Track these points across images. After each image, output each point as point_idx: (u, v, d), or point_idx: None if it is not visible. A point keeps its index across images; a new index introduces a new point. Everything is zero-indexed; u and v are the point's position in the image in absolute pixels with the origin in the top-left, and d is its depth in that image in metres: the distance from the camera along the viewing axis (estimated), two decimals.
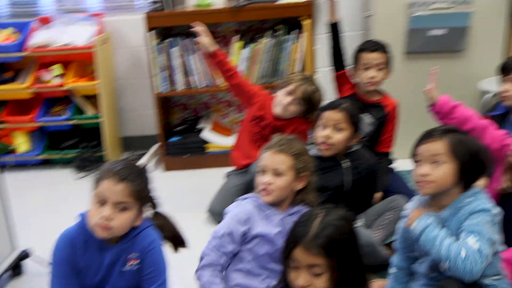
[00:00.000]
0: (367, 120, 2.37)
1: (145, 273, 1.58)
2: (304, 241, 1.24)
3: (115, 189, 1.46)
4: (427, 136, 1.52)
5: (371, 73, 2.37)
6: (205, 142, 3.20)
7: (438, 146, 1.48)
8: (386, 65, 2.41)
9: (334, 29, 2.52)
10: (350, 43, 3.06)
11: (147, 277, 1.58)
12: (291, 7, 2.97)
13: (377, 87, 2.44)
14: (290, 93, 2.33)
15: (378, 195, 2.27)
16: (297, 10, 2.98)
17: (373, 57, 2.38)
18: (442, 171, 1.47)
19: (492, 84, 2.74)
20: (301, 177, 1.69)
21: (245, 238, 1.67)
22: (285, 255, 1.28)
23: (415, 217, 1.50)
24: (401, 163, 2.58)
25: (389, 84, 2.72)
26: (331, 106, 2.04)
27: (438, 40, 2.86)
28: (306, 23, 2.95)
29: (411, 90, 2.94)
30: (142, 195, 1.53)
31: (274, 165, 1.65)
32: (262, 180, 1.66)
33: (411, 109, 2.89)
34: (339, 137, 2.01)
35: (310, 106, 2.35)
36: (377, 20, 2.91)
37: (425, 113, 2.78)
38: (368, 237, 1.95)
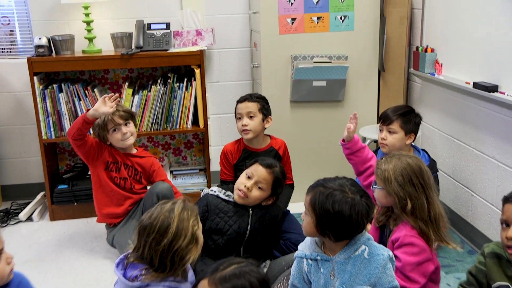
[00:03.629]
0: None
1: None
2: (211, 276, 1.23)
3: None
4: (312, 185, 1.59)
5: (243, 121, 2.39)
6: None
7: (307, 199, 1.57)
8: (259, 112, 2.41)
9: None
10: (240, 92, 3.27)
11: None
12: (182, 55, 2.97)
13: (254, 134, 2.42)
14: (118, 122, 2.44)
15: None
16: (187, 59, 2.98)
17: (243, 106, 2.41)
18: (305, 222, 1.58)
19: (371, 132, 2.89)
20: None
21: None
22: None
23: None
24: (295, 207, 2.57)
25: (276, 131, 2.77)
26: (264, 163, 2.06)
27: (321, 91, 2.95)
28: (197, 71, 2.96)
29: (297, 135, 3.04)
30: None
31: None
32: None
33: (297, 153, 2.95)
34: (256, 194, 2.04)
35: (133, 117, 2.53)
36: (264, 70, 2.95)
37: (310, 156, 2.90)
38: None
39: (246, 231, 2.05)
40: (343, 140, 2.08)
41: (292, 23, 2.88)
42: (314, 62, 2.89)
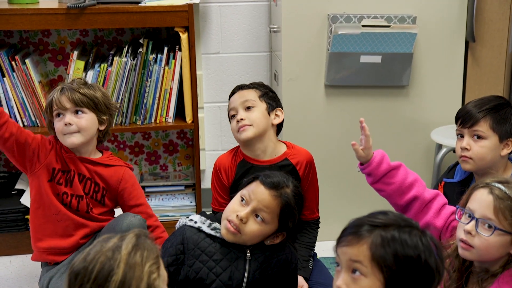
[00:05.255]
0: None
1: None
2: None
3: None
4: (351, 231, 1.49)
5: (239, 114, 2.37)
6: (27, 211, 2.98)
7: (358, 251, 1.45)
8: (261, 101, 2.41)
9: None
10: (252, 68, 3.36)
11: None
12: (161, 12, 2.92)
13: (256, 131, 2.37)
14: (59, 112, 2.42)
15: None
16: (169, 18, 2.93)
17: (235, 97, 2.43)
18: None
19: (451, 135, 2.72)
20: None
21: None
22: None
23: None
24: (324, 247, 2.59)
25: (300, 133, 2.80)
26: (268, 181, 2.04)
27: (373, 71, 2.87)
28: (184, 37, 2.91)
29: (333, 139, 2.99)
30: None
31: None
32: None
33: (331, 168, 2.96)
34: (253, 228, 2.01)
35: (97, 105, 2.44)
36: (285, 37, 2.89)
37: (351, 173, 2.85)
38: None
39: (241, 284, 2.03)
40: (361, 164, 2.07)
41: None
42: (363, 26, 2.82)
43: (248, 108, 2.39)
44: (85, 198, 2.50)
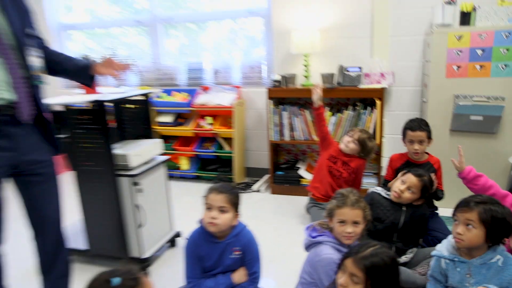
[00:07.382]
0: None
1: (247, 260, 1.66)
2: (355, 256, 1.27)
3: (217, 198, 1.56)
4: (464, 204, 1.48)
5: (415, 146, 2.29)
6: (301, 177, 3.23)
7: (471, 215, 1.44)
8: (426, 138, 2.30)
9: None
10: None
11: (248, 262, 1.67)
12: (369, 90, 2.99)
13: (422, 154, 2.34)
14: (350, 136, 2.58)
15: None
16: (372, 93, 2.99)
17: (416, 135, 2.29)
18: (473, 234, 1.44)
19: None
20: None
21: None
22: (340, 263, 1.32)
23: None
24: (443, 211, 2.45)
25: (436, 153, 2.58)
26: (416, 173, 2.00)
27: (477, 124, 2.76)
28: (378, 102, 2.96)
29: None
30: (235, 202, 1.61)
31: (353, 218, 1.58)
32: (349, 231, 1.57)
33: (450, 175, 2.57)
34: (408, 196, 1.99)
35: (364, 148, 2.51)
36: (430, 105, 2.85)
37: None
38: (408, 274, 1.86)
39: (399, 223, 1.99)
40: (459, 172, 1.91)
41: (458, 69, 2.73)
42: (473, 100, 2.72)
43: (421, 142, 2.29)
44: (343, 174, 2.58)
